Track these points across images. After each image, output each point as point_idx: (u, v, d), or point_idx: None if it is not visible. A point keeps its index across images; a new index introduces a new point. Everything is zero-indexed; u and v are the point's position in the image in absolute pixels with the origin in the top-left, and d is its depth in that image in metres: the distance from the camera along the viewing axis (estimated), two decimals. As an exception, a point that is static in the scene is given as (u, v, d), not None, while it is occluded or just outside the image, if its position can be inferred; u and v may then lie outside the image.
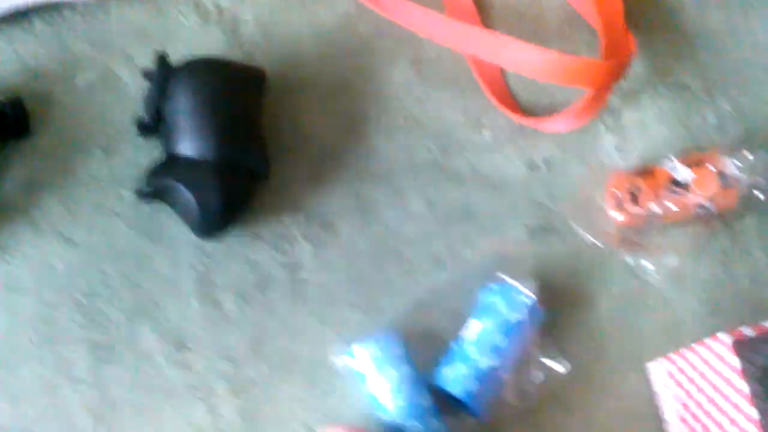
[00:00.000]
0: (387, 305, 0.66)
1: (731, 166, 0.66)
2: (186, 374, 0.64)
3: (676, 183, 0.66)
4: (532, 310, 0.63)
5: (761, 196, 0.67)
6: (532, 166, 0.70)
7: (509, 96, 0.72)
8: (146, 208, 0.66)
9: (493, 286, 0.65)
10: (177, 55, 0.67)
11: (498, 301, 0.63)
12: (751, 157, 0.66)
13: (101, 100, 0.69)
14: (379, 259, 0.67)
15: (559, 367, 0.64)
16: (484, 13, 0.74)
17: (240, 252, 0.67)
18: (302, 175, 0.69)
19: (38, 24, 0.70)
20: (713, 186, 0.66)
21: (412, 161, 0.70)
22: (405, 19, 0.71)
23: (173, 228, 0.66)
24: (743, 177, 0.66)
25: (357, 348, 0.62)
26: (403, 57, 0.72)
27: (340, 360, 0.63)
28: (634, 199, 0.66)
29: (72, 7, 0.70)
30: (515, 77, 0.72)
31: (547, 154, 0.71)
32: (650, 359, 0.66)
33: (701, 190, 0.65)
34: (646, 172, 0.68)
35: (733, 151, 0.67)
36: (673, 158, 0.67)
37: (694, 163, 0.67)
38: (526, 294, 0.63)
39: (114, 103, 0.69)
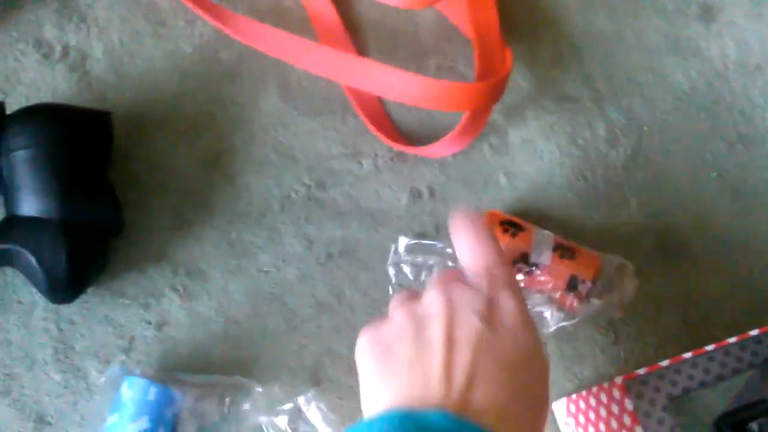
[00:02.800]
0: (266, 357, 0.62)
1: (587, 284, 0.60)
2: (51, 450, 0.59)
3: (528, 260, 0.60)
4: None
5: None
6: (415, 195, 0.66)
7: (388, 122, 0.67)
8: (-8, 275, 0.61)
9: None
10: (21, 98, 0.62)
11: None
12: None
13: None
14: (256, 308, 0.62)
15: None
16: (356, 33, 0.68)
17: (101, 312, 0.61)
18: (165, 221, 0.63)
19: None
20: (560, 284, 0.60)
21: (287, 197, 0.65)
22: (270, 47, 0.65)
23: (25, 293, 0.61)
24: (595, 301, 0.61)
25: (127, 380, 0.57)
26: (271, 84, 0.67)
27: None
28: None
29: None
30: (394, 102, 0.67)
31: (430, 181, 0.66)
32: (554, 397, 0.63)
33: (547, 280, 0.60)
34: (519, 226, 0.61)
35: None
36: (545, 233, 0.61)
37: (566, 250, 0.61)
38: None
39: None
